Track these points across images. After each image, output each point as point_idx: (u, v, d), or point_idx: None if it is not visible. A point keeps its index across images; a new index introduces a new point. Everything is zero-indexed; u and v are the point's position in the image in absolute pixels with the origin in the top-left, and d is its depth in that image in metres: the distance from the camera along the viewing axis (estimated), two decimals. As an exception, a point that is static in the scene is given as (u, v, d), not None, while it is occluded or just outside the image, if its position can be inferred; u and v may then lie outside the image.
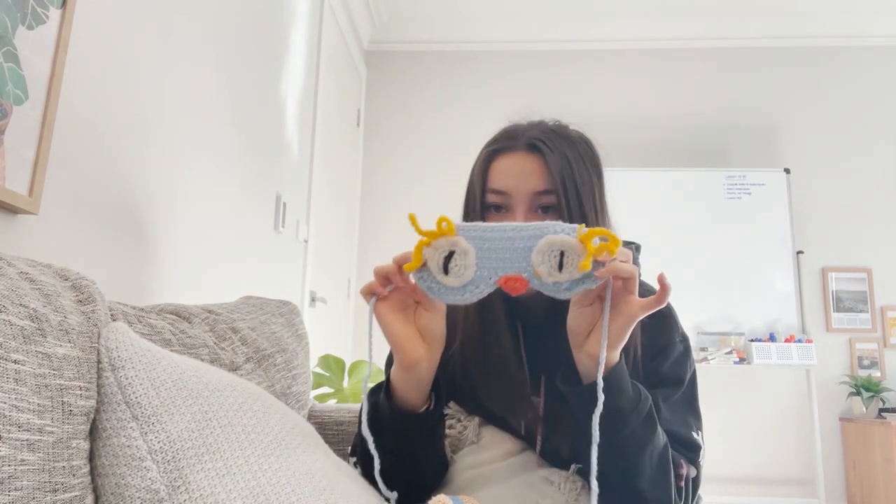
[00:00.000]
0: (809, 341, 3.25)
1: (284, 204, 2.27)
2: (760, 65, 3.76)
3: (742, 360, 3.25)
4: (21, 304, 0.58)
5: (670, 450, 0.80)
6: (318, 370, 2.27)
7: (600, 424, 0.69)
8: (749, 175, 3.48)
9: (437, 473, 0.86)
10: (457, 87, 3.83)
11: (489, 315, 0.87)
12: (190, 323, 0.97)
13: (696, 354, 3.24)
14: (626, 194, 3.44)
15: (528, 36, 3.82)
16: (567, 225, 0.67)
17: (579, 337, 0.72)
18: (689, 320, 3.32)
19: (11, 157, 0.95)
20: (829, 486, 3.29)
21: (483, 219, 0.87)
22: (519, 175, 0.85)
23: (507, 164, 0.87)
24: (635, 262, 0.93)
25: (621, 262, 0.66)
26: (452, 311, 0.82)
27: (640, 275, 0.73)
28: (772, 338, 3.27)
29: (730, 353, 3.26)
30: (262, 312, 1.22)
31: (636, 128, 3.71)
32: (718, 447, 3.30)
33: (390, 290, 0.72)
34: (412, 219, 0.69)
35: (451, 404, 0.90)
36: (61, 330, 0.60)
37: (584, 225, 0.67)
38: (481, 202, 0.88)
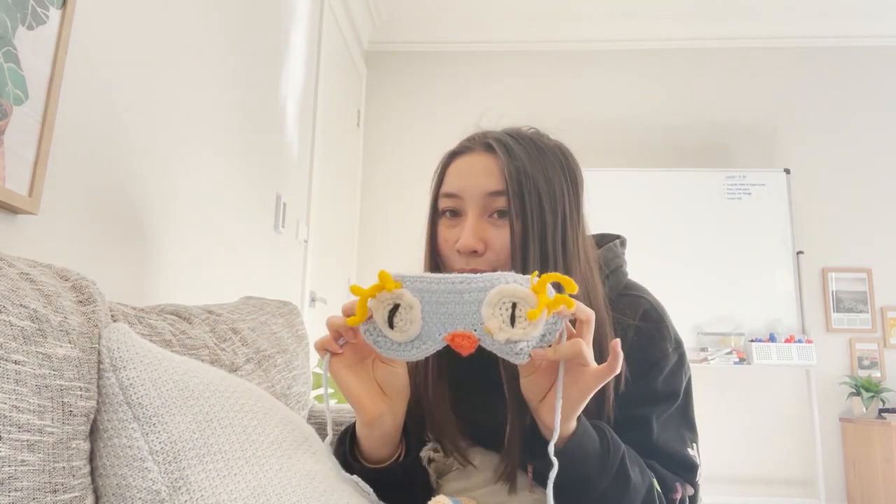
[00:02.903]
0: (809, 341, 3.25)
1: (284, 204, 2.26)
2: (760, 65, 3.76)
3: (742, 361, 3.25)
4: (21, 305, 0.58)
5: (662, 478, 0.76)
6: (319, 370, 2.27)
7: (567, 494, 0.66)
8: (749, 175, 3.49)
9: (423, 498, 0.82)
10: (457, 87, 3.83)
11: None
12: (190, 323, 0.97)
13: (696, 354, 3.24)
14: (626, 194, 3.45)
15: (527, 36, 3.82)
16: (520, 276, 0.62)
17: (533, 403, 0.67)
18: (689, 320, 3.32)
19: (11, 157, 0.95)
20: (829, 487, 3.29)
21: (434, 229, 0.82)
22: (471, 174, 0.79)
23: (461, 164, 0.81)
24: (619, 256, 0.89)
25: (581, 318, 0.61)
26: None
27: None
28: (772, 338, 3.27)
29: (730, 353, 3.25)
30: (263, 313, 1.22)
31: (636, 128, 3.71)
32: (719, 448, 3.30)
33: (343, 343, 0.67)
34: (353, 289, 0.64)
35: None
36: (62, 330, 0.60)
37: (536, 273, 0.61)
38: (433, 210, 0.82)
